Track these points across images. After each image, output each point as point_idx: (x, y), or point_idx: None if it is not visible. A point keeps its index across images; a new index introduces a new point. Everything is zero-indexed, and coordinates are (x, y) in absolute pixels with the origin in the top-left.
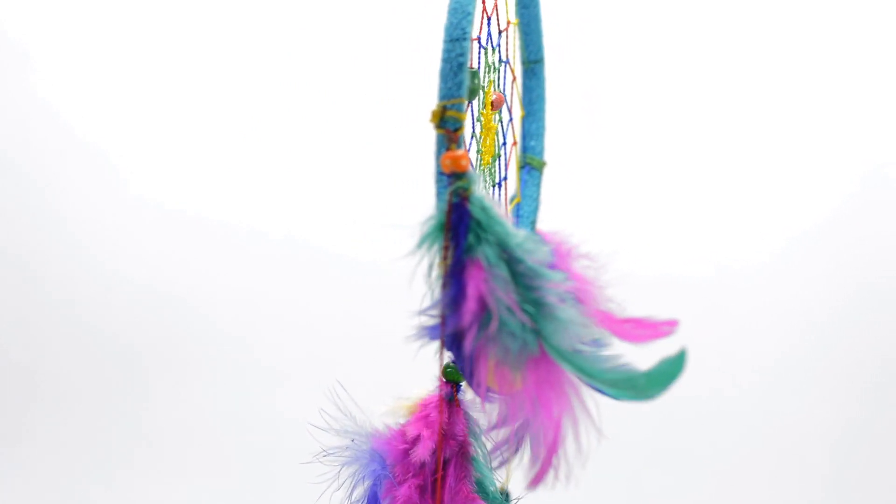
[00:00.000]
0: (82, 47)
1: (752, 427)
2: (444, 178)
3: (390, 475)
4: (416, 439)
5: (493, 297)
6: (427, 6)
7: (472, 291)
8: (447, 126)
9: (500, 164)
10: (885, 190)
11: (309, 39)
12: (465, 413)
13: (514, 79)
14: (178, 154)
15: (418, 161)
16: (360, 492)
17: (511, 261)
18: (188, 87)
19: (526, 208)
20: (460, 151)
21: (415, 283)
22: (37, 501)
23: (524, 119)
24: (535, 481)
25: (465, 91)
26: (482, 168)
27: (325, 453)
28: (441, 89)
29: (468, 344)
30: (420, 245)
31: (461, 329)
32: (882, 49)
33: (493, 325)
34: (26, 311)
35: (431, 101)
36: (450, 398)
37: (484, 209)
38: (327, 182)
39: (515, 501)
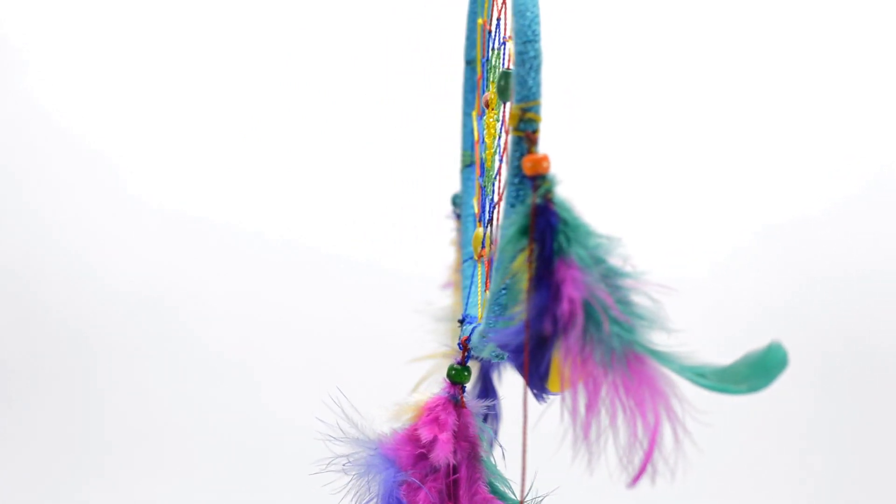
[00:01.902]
0: (78, 48)
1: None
2: (520, 181)
3: (408, 479)
4: (433, 442)
5: (594, 297)
6: (427, 7)
7: (568, 293)
8: (526, 129)
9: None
10: (863, 189)
11: (307, 39)
12: (473, 414)
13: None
14: (175, 154)
15: (418, 161)
16: (376, 499)
17: (594, 261)
18: (182, 86)
19: (471, 207)
20: (541, 154)
21: (408, 285)
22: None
23: (467, 118)
24: (637, 478)
25: (541, 93)
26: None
27: (336, 462)
28: (519, 92)
29: (573, 346)
30: (503, 250)
31: (555, 332)
32: (846, 50)
33: (605, 326)
34: (16, 312)
35: (431, 101)
36: (456, 400)
37: (568, 210)
38: (326, 182)
39: (539, 499)
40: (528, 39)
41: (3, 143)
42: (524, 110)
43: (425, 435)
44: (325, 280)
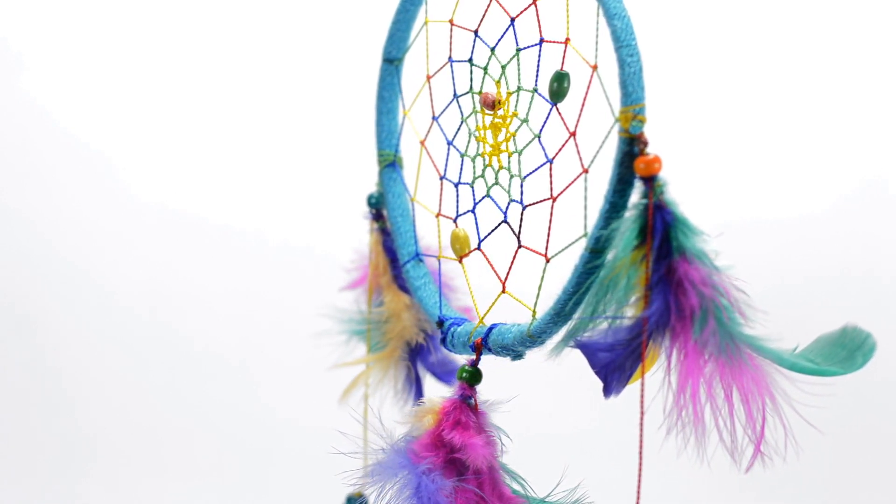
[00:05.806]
0: (76, 48)
1: None
2: (626, 182)
3: (452, 484)
4: (467, 447)
5: (719, 290)
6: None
7: (697, 288)
8: (636, 131)
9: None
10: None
11: (305, 39)
12: (487, 415)
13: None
14: (174, 155)
15: (416, 161)
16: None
17: (704, 256)
18: (180, 87)
19: (402, 206)
20: (653, 155)
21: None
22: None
23: (383, 117)
24: (750, 465)
25: (644, 95)
26: (492, 166)
27: (362, 471)
28: (627, 94)
29: (705, 339)
30: (622, 251)
31: (677, 326)
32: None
33: (738, 318)
34: (15, 312)
35: (430, 100)
36: (470, 403)
37: (678, 209)
38: (327, 182)
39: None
40: (627, 43)
41: (2, 142)
42: (634, 113)
43: (457, 440)
44: (325, 280)
